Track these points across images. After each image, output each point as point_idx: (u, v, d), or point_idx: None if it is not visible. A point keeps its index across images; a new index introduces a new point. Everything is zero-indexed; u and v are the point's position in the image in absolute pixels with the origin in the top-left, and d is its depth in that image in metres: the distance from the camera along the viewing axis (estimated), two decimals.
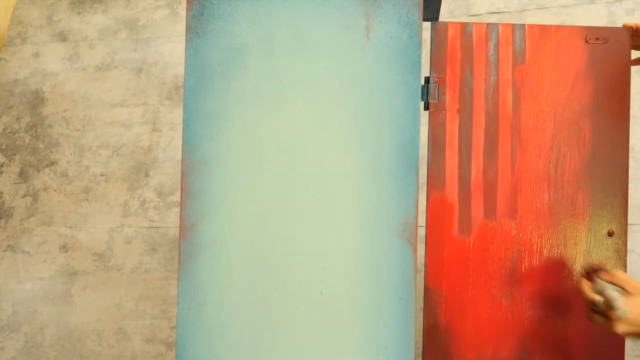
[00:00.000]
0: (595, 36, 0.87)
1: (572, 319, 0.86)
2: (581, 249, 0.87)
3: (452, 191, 0.87)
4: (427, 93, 0.86)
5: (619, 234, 0.87)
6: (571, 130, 0.87)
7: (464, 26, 0.87)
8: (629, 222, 0.90)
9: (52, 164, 1.91)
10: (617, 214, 0.87)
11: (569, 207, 0.87)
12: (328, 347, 0.82)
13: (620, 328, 0.74)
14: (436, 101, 0.87)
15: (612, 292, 0.74)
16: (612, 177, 0.87)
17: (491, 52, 0.87)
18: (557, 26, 0.88)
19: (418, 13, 0.83)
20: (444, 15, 1.78)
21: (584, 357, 0.86)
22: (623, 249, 0.86)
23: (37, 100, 1.99)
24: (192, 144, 0.84)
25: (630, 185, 0.90)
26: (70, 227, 1.82)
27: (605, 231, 0.87)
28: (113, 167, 1.86)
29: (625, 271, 0.86)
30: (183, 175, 0.83)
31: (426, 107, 0.87)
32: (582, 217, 0.87)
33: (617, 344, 0.86)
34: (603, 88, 0.88)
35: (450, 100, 0.87)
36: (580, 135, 0.88)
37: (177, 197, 1.79)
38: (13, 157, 1.95)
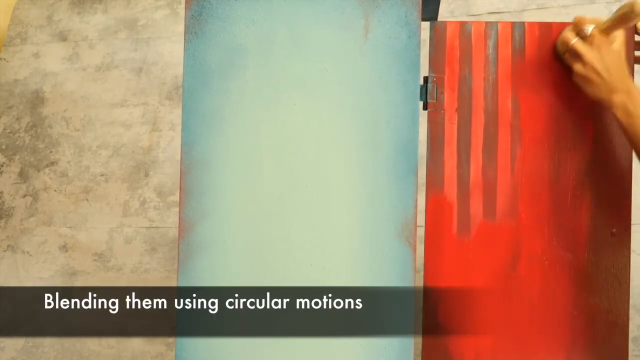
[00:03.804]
0: None
1: (573, 319, 0.86)
2: (583, 249, 0.86)
3: (451, 191, 0.86)
4: (426, 93, 0.86)
5: (623, 234, 0.86)
6: (573, 128, 0.86)
7: (462, 25, 0.87)
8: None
9: (52, 164, 1.91)
10: (621, 214, 0.86)
11: (571, 206, 0.86)
12: (328, 347, 0.82)
13: (588, 54, 0.80)
14: (434, 101, 0.86)
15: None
16: (616, 176, 0.86)
17: (490, 51, 0.87)
18: (558, 23, 0.87)
19: (417, 13, 0.83)
20: (444, 15, 1.77)
21: (587, 357, 0.86)
22: (627, 249, 0.85)
23: (37, 100, 1.99)
24: (191, 144, 0.84)
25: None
26: (70, 227, 1.82)
27: (608, 231, 0.86)
28: (113, 167, 1.86)
29: (629, 272, 0.85)
30: (182, 175, 0.83)
31: (425, 107, 0.87)
32: (585, 216, 0.86)
33: (620, 345, 0.86)
34: None
35: (449, 99, 0.87)
36: (582, 134, 0.87)
37: (177, 197, 1.78)
38: (13, 157, 1.95)
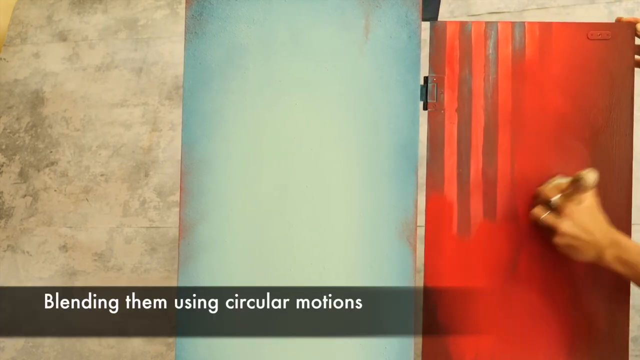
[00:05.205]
0: (598, 32, 0.85)
1: (574, 319, 0.86)
2: None
3: (451, 191, 0.86)
4: (426, 93, 0.86)
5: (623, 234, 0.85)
6: (573, 128, 0.86)
7: (462, 25, 0.87)
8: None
9: (52, 164, 1.91)
10: (621, 214, 0.86)
11: None
12: (328, 347, 0.82)
13: (561, 226, 0.78)
14: (435, 101, 0.87)
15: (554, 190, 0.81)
16: (616, 177, 0.86)
17: (490, 51, 0.87)
18: (558, 23, 0.87)
19: (417, 13, 0.83)
20: (444, 15, 1.77)
21: (587, 357, 0.86)
22: None
23: (37, 100, 1.99)
24: (191, 144, 0.84)
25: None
26: (70, 227, 1.82)
27: None
28: (113, 167, 1.86)
29: None
30: (182, 175, 0.83)
31: (425, 107, 0.87)
32: None
33: (620, 345, 0.86)
34: (606, 86, 0.86)
35: (449, 99, 0.87)
36: (582, 134, 0.87)
37: (177, 197, 1.79)
38: (13, 157, 1.95)
